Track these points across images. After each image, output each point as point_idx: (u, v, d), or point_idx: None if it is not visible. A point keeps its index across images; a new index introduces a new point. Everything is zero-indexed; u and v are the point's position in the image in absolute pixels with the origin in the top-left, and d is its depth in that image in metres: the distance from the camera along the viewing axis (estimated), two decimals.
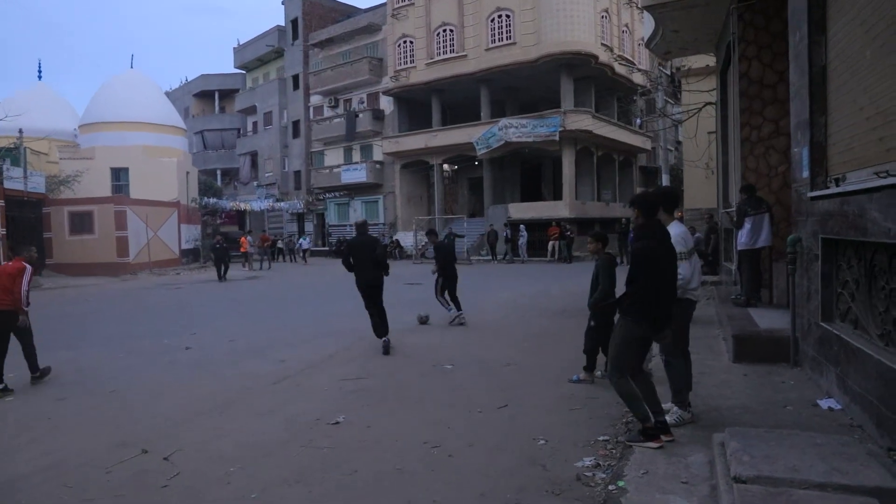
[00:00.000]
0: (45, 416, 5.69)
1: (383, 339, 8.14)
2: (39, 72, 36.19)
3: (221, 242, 23.35)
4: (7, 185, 22.69)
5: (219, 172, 47.79)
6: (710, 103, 15.12)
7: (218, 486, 3.99)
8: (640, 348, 4.52)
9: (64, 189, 26.90)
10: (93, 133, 29.75)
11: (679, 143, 30.22)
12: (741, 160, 9.02)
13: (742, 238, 7.98)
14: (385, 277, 8.49)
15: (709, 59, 15.47)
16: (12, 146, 24.45)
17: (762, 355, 6.37)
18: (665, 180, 21.81)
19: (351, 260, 8.33)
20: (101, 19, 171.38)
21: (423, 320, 10.40)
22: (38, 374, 7.07)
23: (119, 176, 29.31)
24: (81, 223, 25.54)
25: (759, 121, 8.77)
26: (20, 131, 25.21)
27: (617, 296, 5.51)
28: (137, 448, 4.70)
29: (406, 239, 32.80)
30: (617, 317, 4.64)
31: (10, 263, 7.08)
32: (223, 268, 21.94)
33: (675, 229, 4.68)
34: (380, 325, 8.27)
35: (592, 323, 6.36)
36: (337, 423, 5.20)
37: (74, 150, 30.13)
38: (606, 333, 6.38)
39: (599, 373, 6.39)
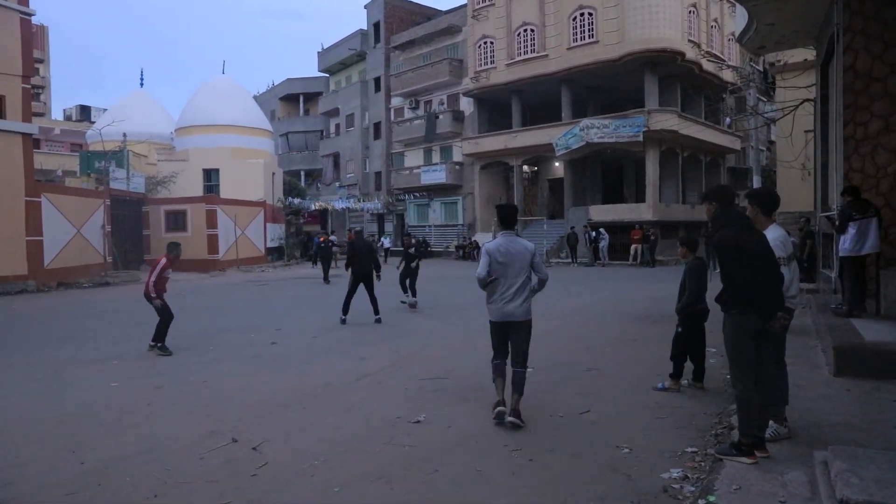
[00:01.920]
0: (145, 402, 6.03)
1: (377, 317, 10.89)
2: (142, 79, 38.68)
3: (328, 241, 22.24)
4: (112, 185, 24.37)
5: (302, 173, 49.40)
6: (808, 100, 14.26)
7: (303, 479, 4.10)
8: (755, 344, 4.09)
9: (161, 189, 28.65)
10: (187, 136, 31.48)
11: (771, 142, 28.72)
12: (844, 160, 8.44)
13: (845, 244, 7.46)
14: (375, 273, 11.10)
15: (807, 53, 14.61)
16: (117, 149, 26.23)
17: (868, 370, 5.92)
18: (756, 182, 20.77)
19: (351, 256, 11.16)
20: (195, 28, 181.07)
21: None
22: (155, 344, 8.49)
23: (210, 176, 30.86)
24: (176, 221, 27.00)
25: (867, 117, 8.18)
26: (124, 135, 27.02)
27: (706, 303, 5.26)
28: (227, 437, 4.90)
29: (485, 240, 32.76)
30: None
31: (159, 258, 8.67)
32: (327, 268, 20.80)
33: (774, 233, 4.44)
34: (374, 306, 10.96)
35: (680, 329, 6.11)
36: (418, 421, 5.23)
37: (170, 152, 32.01)
38: (694, 340, 6.14)
39: (686, 381, 6.15)
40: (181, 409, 5.81)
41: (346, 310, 10.95)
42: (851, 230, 7.33)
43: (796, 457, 4.04)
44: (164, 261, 8.56)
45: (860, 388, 5.59)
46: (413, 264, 13.27)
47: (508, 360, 5.27)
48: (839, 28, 8.44)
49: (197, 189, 29.75)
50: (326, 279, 20.08)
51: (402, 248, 15.11)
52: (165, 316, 8.51)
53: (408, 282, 13.21)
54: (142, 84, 37.77)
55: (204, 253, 26.57)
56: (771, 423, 4.38)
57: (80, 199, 21.69)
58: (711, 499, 3.56)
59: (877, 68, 8.06)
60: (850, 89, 8.29)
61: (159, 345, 8.46)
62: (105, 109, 42.60)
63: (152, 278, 8.44)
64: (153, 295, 8.43)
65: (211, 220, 26.81)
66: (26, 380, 7.08)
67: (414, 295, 13.15)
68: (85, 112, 60.26)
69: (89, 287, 19.75)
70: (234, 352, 8.61)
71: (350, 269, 11.16)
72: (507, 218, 5.35)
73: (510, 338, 5.22)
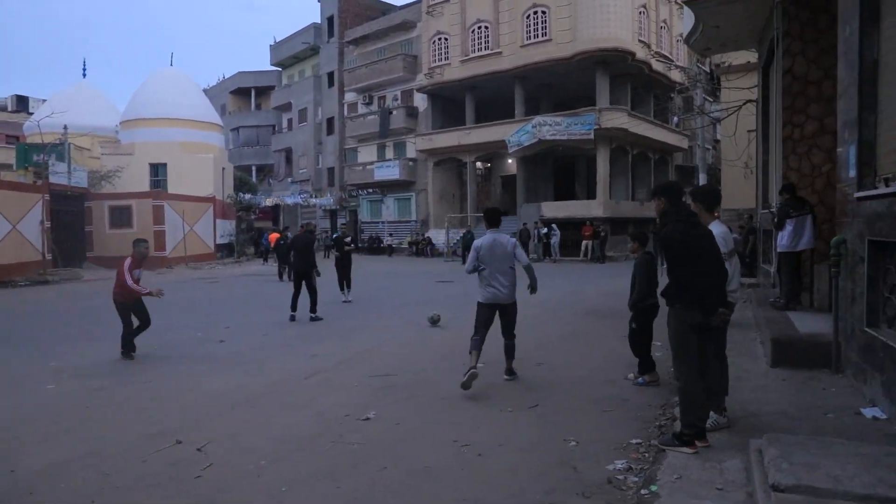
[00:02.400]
0: (83, 405, 5.82)
1: (312, 315, 10.83)
2: (84, 70, 37.20)
3: (285, 237, 20.29)
4: (52, 179, 23.41)
5: (254, 168, 48.51)
6: (750, 101, 14.75)
7: (249, 479, 4.03)
8: (698, 338, 4.20)
9: (105, 184, 27.69)
10: (133, 129, 30.48)
11: (717, 141, 29.55)
12: (783, 159, 8.77)
13: (783, 240, 7.75)
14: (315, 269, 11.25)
15: (750, 56, 15.09)
16: (58, 142, 25.21)
17: (802, 360, 6.18)
18: (702, 179, 21.37)
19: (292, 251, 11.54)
20: (142, 17, 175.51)
21: (434, 321, 10.07)
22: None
23: (157, 171, 29.98)
24: (121, 217, 26.16)
25: (803, 119, 8.50)
26: (65, 127, 25.98)
27: (657, 298, 5.38)
28: (171, 438, 4.77)
29: (438, 236, 32.82)
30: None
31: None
32: (287, 267, 18.35)
33: (716, 229, 4.58)
34: (312, 303, 10.96)
35: (634, 325, 6.24)
36: (367, 419, 5.21)
37: (115, 145, 30.94)
38: (649, 335, 6.28)
39: (632, 375, 6.29)
40: (123, 411, 5.63)
41: (294, 307, 10.92)
42: (788, 227, 7.61)
43: (734, 445, 4.18)
44: (128, 260, 8.00)
45: (795, 378, 5.83)
46: (343, 259, 13.68)
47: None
48: (778, 33, 8.75)
49: (143, 184, 28.83)
50: (282, 277, 19.25)
51: (333, 244, 15.39)
52: (144, 318, 8.14)
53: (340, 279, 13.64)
54: (84, 74, 36.49)
55: (150, 250, 25.76)
56: (711, 413, 4.52)
57: (16, 194, 20.78)
58: (653, 488, 3.65)
59: (812, 72, 8.39)
60: (788, 92, 8.61)
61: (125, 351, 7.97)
62: (44, 100, 40.82)
63: (128, 279, 7.86)
64: (145, 292, 7.97)
65: (158, 216, 26.06)
66: None
67: (349, 288, 13.58)
68: (22, 102, 57.56)
69: (26, 286, 18.95)
70: (181, 351, 8.40)
71: (290, 266, 11.74)
72: (491, 218, 6.46)
73: (500, 316, 6.35)
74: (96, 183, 27.38)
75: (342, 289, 13.43)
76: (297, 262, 11.43)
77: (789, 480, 3.17)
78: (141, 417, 5.38)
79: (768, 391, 5.49)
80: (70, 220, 24.59)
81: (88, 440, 4.82)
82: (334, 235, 15.81)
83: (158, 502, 3.70)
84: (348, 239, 14.65)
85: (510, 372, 6.45)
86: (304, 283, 11.13)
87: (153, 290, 8.00)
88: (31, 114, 40.50)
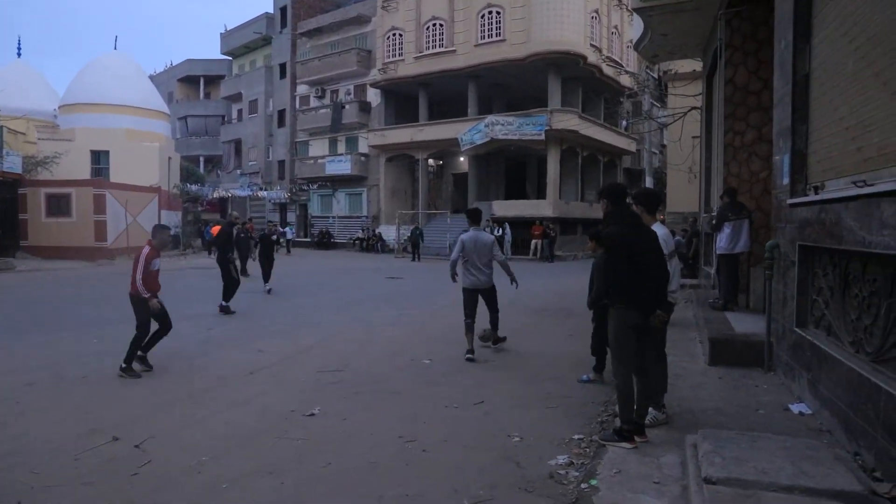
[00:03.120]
0: (14, 400, 5.58)
1: (225, 303, 10.90)
2: (19, 49, 35.34)
3: (244, 231, 18.16)
4: None
5: (202, 159, 47.28)
6: (695, 108, 15.25)
7: (189, 476, 3.95)
8: (636, 337, 4.34)
9: (41, 170, 26.40)
10: (73, 114, 29.21)
11: (664, 146, 30.44)
12: (724, 165, 9.10)
13: (721, 242, 8.05)
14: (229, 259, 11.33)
15: (696, 64, 15.59)
16: None
17: (737, 359, 6.44)
18: (649, 182, 21.98)
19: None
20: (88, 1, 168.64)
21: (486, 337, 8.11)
22: (128, 365, 6.53)
23: (99, 159, 28.83)
24: (58, 206, 25.14)
25: (743, 127, 8.85)
26: None
27: None
28: (108, 435, 4.63)
29: (389, 232, 32.70)
30: None
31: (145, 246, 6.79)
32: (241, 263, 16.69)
33: (658, 231, 4.71)
34: (226, 292, 11.00)
35: (595, 323, 6.38)
36: (312, 414, 5.17)
37: (54, 130, 29.60)
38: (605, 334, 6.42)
39: (586, 377, 6.39)
40: (56, 406, 5.42)
41: (228, 296, 11.09)
42: (727, 230, 7.91)
43: (672, 441, 4.34)
44: (146, 249, 6.71)
45: (730, 376, 6.07)
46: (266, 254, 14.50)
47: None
48: (722, 44, 9.08)
49: (84, 172, 27.67)
50: (244, 271, 17.06)
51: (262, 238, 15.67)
52: (165, 322, 6.86)
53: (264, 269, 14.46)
54: (19, 54, 34.58)
55: (90, 240, 24.91)
56: (651, 409, 4.67)
57: None
58: (593, 482, 3.75)
59: (752, 82, 8.73)
60: (730, 100, 8.94)
61: (132, 362, 6.60)
62: None
63: (139, 274, 6.59)
64: (145, 294, 6.62)
65: (99, 205, 25.14)
66: None
67: (268, 280, 14.24)
68: None
69: None
70: (121, 345, 8.09)
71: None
72: (475, 218, 7.73)
73: (484, 298, 7.58)
74: (32, 169, 26.11)
75: (265, 280, 14.23)
76: (217, 253, 11.88)
77: (721, 473, 3.32)
78: (76, 414, 5.20)
79: (705, 388, 5.70)
80: (2, 207, 23.46)
81: (18, 437, 4.63)
82: (261, 234, 16.30)
83: (91, 500, 3.59)
84: (274, 237, 15.96)
85: (496, 340, 7.85)
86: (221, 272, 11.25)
87: (152, 298, 6.70)
88: None
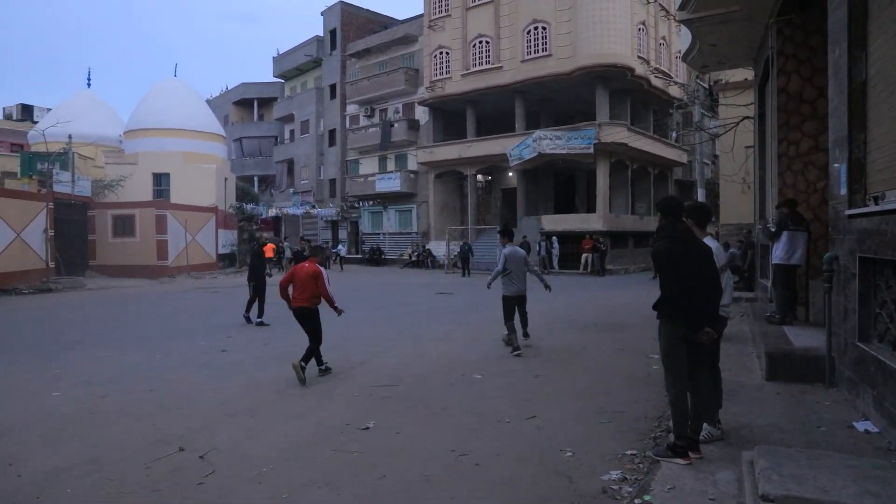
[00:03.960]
0: (88, 411, 5.90)
1: (253, 318, 11.90)
2: (89, 80, 37.33)
3: (306, 248, 18.67)
4: (56, 188, 23.57)
5: (256, 179, 48.70)
6: (747, 117, 14.92)
7: (250, 486, 4.11)
8: (687, 351, 4.31)
9: (108, 193, 27.85)
10: (137, 139, 30.69)
11: (716, 157, 29.76)
12: (778, 176, 8.90)
13: (778, 251, 7.85)
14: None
15: (747, 73, 15.28)
16: (62, 151, 25.39)
17: (796, 374, 6.27)
18: (701, 195, 21.52)
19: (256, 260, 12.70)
20: (146, 28, 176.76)
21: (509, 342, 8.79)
22: (302, 366, 7.09)
23: (160, 181, 30.15)
24: (123, 226, 26.31)
25: (798, 136, 8.65)
26: (69, 137, 26.17)
27: None
28: (174, 446, 4.85)
29: (438, 248, 32.90)
30: None
31: (307, 265, 7.55)
32: None
33: (709, 244, 4.67)
34: (260, 307, 11.95)
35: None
36: (366, 428, 5.29)
37: (119, 155, 31.12)
38: None
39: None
40: (126, 418, 5.71)
41: (248, 309, 12.11)
42: (784, 238, 7.71)
43: (727, 457, 4.27)
44: (320, 268, 7.55)
45: (789, 392, 5.91)
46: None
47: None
48: (773, 52, 8.92)
49: (146, 193, 28.98)
50: None
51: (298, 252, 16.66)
52: (319, 335, 7.48)
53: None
54: (89, 84, 36.58)
55: (153, 259, 25.94)
56: (705, 425, 4.61)
57: (20, 202, 20.90)
58: (647, 498, 3.73)
59: (807, 91, 8.54)
60: (784, 109, 8.75)
61: (323, 367, 7.50)
62: (49, 109, 41.14)
63: (329, 290, 7.45)
64: (336, 304, 7.56)
65: (160, 226, 26.19)
66: None
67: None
68: (27, 111, 57.89)
69: (30, 293, 19.05)
70: (184, 360, 8.48)
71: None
72: (509, 235, 9.12)
73: (518, 303, 8.87)
74: (99, 192, 27.54)
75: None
76: (259, 269, 12.54)
77: (779, 491, 3.25)
78: (144, 425, 5.46)
79: (762, 404, 5.57)
80: (73, 228, 24.72)
81: (93, 446, 4.90)
82: (294, 250, 16.74)
83: None
84: (306, 253, 16.04)
85: (525, 335, 9.12)
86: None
87: (340, 310, 7.66)
88: (36, 122, 40.74)
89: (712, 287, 4.37)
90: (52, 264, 21.94)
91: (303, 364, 7.06)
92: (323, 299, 7.50)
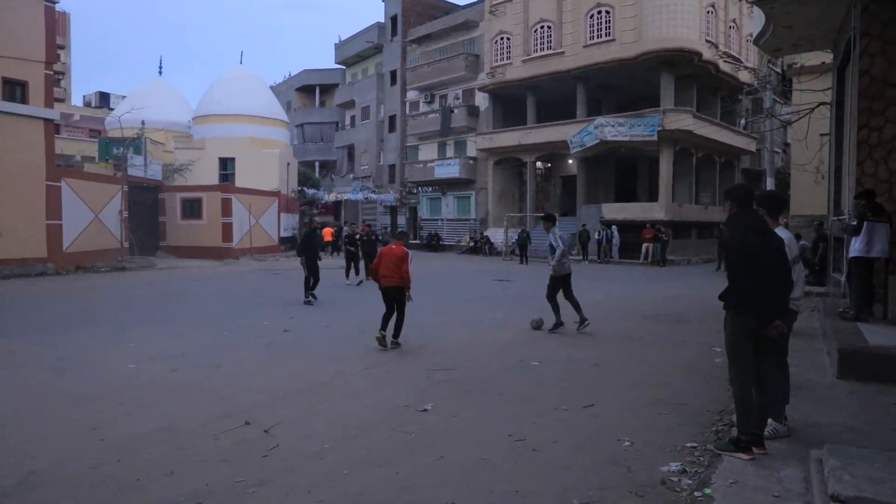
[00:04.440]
0: (161, 384, 6.22)
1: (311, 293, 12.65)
2: (160, 68, 38.74)
3: (371, 234, 18.76)
4: (130, 171, 24.69)
5: (317, 164, 49.63)
6: (824, 103, 14.22)
7: (312, 461, 4.25)
8: (753, 344, 4.19)
9: (177, 177, 28.99)
10: (204, 125, 31.79)
11: (787, 145, 28.50)
12: (857, 164, 8.46)
13: (856, 244, 7.49)
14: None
15: (824, 56, 14.54)
16: (136, 136, 26.55)
17: (871, 373, 5.98)
18: (770, 184, 20.68)
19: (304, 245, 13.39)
20: (214, 17, 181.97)
21: (537, 325, 9.58)
22: (395, 342, 8.09)
23: (226, 165, 31.16)
24: (191, 209, 27.36)
25: (881, 122, 8.18)
26: (142, 123, 27.33)
27: None
28: (240, 419, 5.05)
29: (496, 235, 32.81)
30: None
31: (395, 247, 8.28)
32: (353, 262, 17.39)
33: (780, 235, 4.50)
34: (314, 285, 12.73)
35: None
36: (424, 410, 5.37)
37: (187, 140, 32.31)
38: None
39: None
40: (195, 391, 5.98)
41: (305, 291, 12.71)
42: (864, 231, 7.35)
43: (794, 454, 4.13)
44: (408, 251, 8.28)
45: (862, 391, 5.66)
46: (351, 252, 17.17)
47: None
48: (856, 32, 8.45)
49: (213, 177, 30.03)
50: (356, 275, 17.16)
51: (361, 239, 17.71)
52: (403, 310, 8.22)
53: (360, 265, 16.96)
54: (160, 72, 38.02)
55: (218, 241, 26.89)
56: (770, 421, 4.46)
57: (98, 185, 22.03)
58: (707, 491, 3.66)
59: (892, 73, 8.06)
60: (866, 94, 8.30)
61: (394, 340, 8.12)
62: (124, 96, 42.99)
63: (410, 271, 8.16)
64: (409, 287, 8.20)
65: (226, 209, 27.10)
66: (50, 359, 7.31)
67: (357, 274, 16.93)
68: (104, 99, 60.84)
69: (106, 271, 20.09)
70: (248, 338, 8.79)
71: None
72: (553, 220, 9.75)
73: (566, 283, 9.40)
74: (169, 176, 28.72)
75: (346, 275, 16.88)
76: (311, 252, 13.12)
77: (850, 492, 3.13)
78: (212, 398, 5.72)
79: (833, 403, 5.36)
80: (145, 210, 25.92)
81: (166, 416, 5.16)
82: (346, 234, 19.29)
83: (230, 477, 3.95)
84: (357, 236, 18.02)
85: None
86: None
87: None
88: (112, 109, 42.73)
89: (784, 279, 4.21)
90: (125, 244, 23.04)
91: (394, 340, 8.04)
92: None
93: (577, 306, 9.37)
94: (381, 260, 8.21)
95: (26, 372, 6.73)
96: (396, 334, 8.08)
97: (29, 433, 4.76)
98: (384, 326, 8.08)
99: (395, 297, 8.11)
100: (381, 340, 7.94)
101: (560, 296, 9.48)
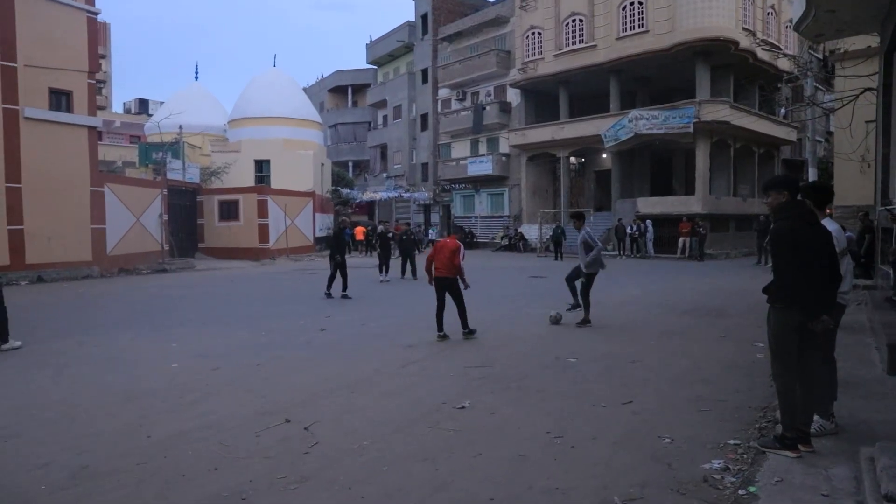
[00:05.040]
0: (203, 382, 6.36)
1: (344, 292, 13.29)
2: (196, 73, 39.62)
3: (409, 232, 19.06)
4: (169, 175, 25.30)
5: (350, 164, 50.08)
6: (869, 89, 13.73)
7: (352, 458, 4.29)
8: (799, 339, 4.07)
9: (214, 179, 29.58)
10: (240, 128, 32.36)
11: (830, 133, 27.70)
12: None
13: None
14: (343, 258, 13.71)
15: (870, 40, 14.04)
16: (174, 141, 27.18)
17: None
18: (812, 174, 20.10)
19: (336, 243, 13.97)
20: (247, 22, 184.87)
21: (556, 320, 9.82)
22: (468, 331, 8.63)
23: (261, 167, 31.69)
24: (228, 211, 27.87)
25: None
26: (180, 128, 27.96)
27: None
28: (280, 417, 5.14)
29: (531, 232, 32.62)
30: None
31: (449, 240, 8.71)
32: (409, 265, 18.01)
33: (829, 227, 4.37)
34: (344, 284, 13.43)
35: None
36: (462, 407, 5.38)
37: (224, 143, 32.96)
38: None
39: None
40: (237, 389, 6.10)
41: (328, 287, 13.54)
42: None
43: (842, 452, 4.03)
44: (461, 245, 8.70)
45: None
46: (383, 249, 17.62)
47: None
48: None
49: (248, 179, 30.56)
50: (381, 271, 17.48)
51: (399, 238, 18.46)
52: (462, 300, 8.63)
53: (400, 261, 18.04)
54: (196, 77, 38.82)
55: (255, 241, 27.35)
56: (817, 418, 4.35)
57: (139, 189, 22.62)
58: (752, 489, 3.59)
59: None
60: None
61: (467, 330, 8.63)
62: (162, 102, 44.05)
63: (463, 261, 8.61)
64: (465, 278, 8.64)
65: (262, 210, 27.54)
66: (97, 359, 7.54)
67: (403, 273, 17.82)
68: (143, 105, 62.42)
69: (148, 273, 20.62)
70: (286, 337, 8.93)
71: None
72: (583, 218, 10.21)
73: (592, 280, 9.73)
74: (207, 179, 29.33)
75: (380, 271, 17.24)
76: (339, 251, 13.68)
77: None
78: (253, 397, 5.82)
79: (883, 399, 5.20)
80: (184, 213, 26.51)
81: (209, 414, 5.28)
82: (378, 231, 19.76)
83: (272, 473, 4.02)
84: (389, 234, 18.55)
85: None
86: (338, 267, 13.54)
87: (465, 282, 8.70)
88: (151, 115, 43.77)
89: (832, 272, 4.09)
90: (166, 247, 23.61)
91: (467, 331, 8.56)
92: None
93: (587, 305, 9.69)
94: (435, 252, 8.64)
95: (75, 371, 6.96)
96: (465, 324, 8.56)
97: (79, 430, 4.92)
98: (440, 327, 8.52)
99: (448, 288, 8.55)
100: (443, 339, 8.44)
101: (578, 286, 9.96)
